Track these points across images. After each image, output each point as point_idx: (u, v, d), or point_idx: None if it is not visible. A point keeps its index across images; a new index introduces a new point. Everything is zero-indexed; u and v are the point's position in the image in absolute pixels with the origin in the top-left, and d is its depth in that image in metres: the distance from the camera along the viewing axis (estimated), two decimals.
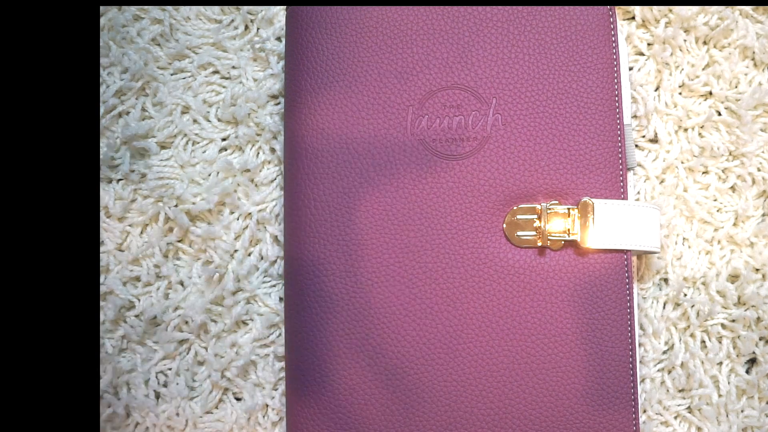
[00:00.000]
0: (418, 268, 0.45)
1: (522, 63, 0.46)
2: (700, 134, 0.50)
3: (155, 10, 0.51)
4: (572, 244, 0.45)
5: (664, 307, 0.49)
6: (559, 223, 0.44)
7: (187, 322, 0.49)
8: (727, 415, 0.48)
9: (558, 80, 0.46)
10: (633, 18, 0.51)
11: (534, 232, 0.45)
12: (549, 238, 0.44)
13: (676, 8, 0.50)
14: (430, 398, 0.44)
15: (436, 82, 0.46)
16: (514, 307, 0.44)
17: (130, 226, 0.50)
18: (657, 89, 0.50)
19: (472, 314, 0.44)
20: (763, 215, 0.50)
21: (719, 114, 0.50)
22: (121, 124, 0.50)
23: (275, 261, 0.49)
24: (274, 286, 0.49)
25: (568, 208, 0.44)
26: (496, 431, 0.44)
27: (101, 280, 0.49)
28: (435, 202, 0.45)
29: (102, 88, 0.51)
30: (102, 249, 0.50)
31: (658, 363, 0.48)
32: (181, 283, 0.50)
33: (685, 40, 0.50)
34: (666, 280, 0.49)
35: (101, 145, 0.50)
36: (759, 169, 0.50)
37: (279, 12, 0.51)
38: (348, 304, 0.45)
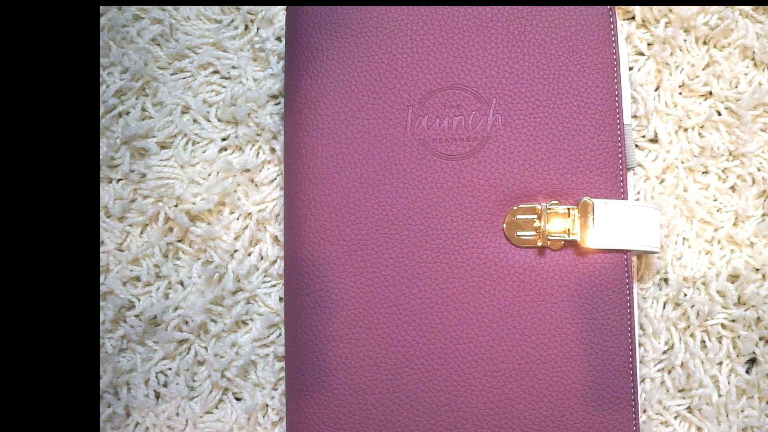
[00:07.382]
0: (418, 268, 0.45)
1: (522, 63, 0.46)
2: (700, 134, 0.50)
3: (155, 10, 0.51)
4: (572, 244, 0.45)
5: (664, 307, 0.49)
6: (559, 223, 0.44)
7: (187, 322, 0.49)
8: (727, 415, 0.48)
9: (558, 80, 0.46)
10: (633, 18, 0.51)
11: (534, 232, 0.45)
12: (549, 238, 0.44)
13: (676, 8, 0.50)
14: (430, 398, 0.44)
15: (436, 82, 0.46)
16: (514, 307, 0.44)
17: (130, 226, 0.50)
18: (657, 89, 0.50)
19: (472, 314, 0.44)
20: (763, 215, 0.50)
21: (719, 114, 0.50)
22: (121, 124, 0.50)
23: (275, 261, 0.49)
24: (274, 286, 0.49)
25: (568, 208, 0.44)
26: (496, 431, 0.44)
27: (101, 280, 0.49)
28: (435, 202, 0.45)
29: (102, 88, 0.51)
30: (102, 249, 0.50)
31: (658, 363, 0.48)
32: (181, 283, 0.50)
33: (685, 40, 0.50)
34: (666, 280, 0.49)
35: (101, 145, 0.50)
36: (759, 169, 0.50)
37: (279, 12, 0.51)
38: (348, 303, 0.45)
